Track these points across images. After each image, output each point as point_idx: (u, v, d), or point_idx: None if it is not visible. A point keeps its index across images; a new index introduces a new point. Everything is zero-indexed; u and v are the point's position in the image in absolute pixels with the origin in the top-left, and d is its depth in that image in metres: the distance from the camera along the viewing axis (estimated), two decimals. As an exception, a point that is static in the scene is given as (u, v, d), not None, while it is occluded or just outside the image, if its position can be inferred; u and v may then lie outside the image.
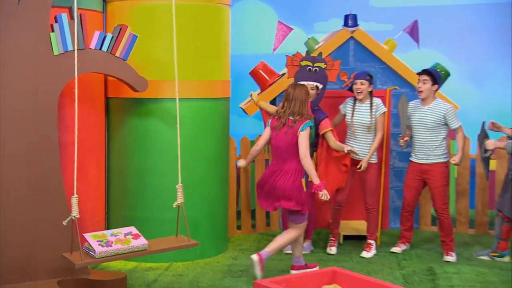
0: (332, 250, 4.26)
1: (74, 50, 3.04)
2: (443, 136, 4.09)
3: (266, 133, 3.67)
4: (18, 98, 3.13)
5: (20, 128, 3.14)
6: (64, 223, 2.94)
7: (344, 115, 4.24)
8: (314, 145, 4.05)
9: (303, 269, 3.66)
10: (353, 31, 4.78)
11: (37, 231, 3.17)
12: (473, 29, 6.05)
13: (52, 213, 3.18)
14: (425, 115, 4.08)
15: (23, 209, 3.15)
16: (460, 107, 4.86)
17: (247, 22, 6.15)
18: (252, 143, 4.85)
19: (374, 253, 4.21)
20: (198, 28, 3.92)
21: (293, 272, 3.65)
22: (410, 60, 5.02)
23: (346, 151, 3.91)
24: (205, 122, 4.02)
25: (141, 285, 3.56)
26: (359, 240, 4.47)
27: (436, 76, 4.06)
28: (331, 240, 4.31)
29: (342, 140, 4.16)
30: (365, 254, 4.18)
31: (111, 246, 2.97)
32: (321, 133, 3.99)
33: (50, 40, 3.18)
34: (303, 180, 3.52)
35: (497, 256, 4.10)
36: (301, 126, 3.48)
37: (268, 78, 4.87)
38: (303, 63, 4.07)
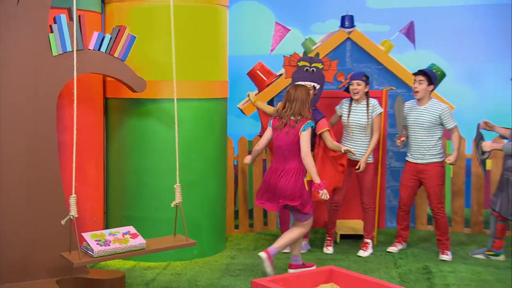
0: (329, 249, 4.29)
1: (73, 50, 3.06)
2: (439, 136, 4.13)
3: (268, 133, 3.71)
4: (17, 98, 3.15)
5: (19, 129, 3.15)
6: (63, 222, 2.96)
7: (340, 116, 4.28)
8: (311, 145, 4.08)
9: (301, 268, 3.69)
10: (350, 32, 4.81)
11: (36, 231, 3.19)
12: (469, 30, 6.09)
13: (51, 213, 3.20)
14: (421, 115, 4.12)
15: (22, 209, 3.17)
16: (456, 107, 4.90)
17: (245, 23, 6.18)
18: (250, 143, 4.88)
19: (370, 252, 4.24)
20: (196, 29, 3.95)
21: (291, 271, 3.68)
22: (406, 61, 5.06)
23: (343, 151, 3.95)
24: (203, 122, 4.04)
25: (139, 284, 3.57)
26: (355, 240, 4.50)
27: (432, 76, 4.09)
28: (328, 239, 4.34)
29: (339, 141, 4.19)
30: (362, 253, 4.22)
31: (109, 245, 2.99)
32: (318, 133, 4.02)
33: (49, 41, 3.20)
34: (305, 180, 3.56)
35: (493, 255, 4.13)
36: (303, 126, 3.54)
37: (265, 79, 4.90)
38: (301, 63, 4.10)
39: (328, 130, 3.99)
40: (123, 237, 3.08)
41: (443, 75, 4.83)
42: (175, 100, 3.32)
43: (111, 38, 3.38)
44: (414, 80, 4.14)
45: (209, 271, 3.83)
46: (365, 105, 4.18)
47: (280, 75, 4.87)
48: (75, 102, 2.94)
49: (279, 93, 4.81)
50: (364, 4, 6.14)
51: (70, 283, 3.25)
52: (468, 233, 4.83)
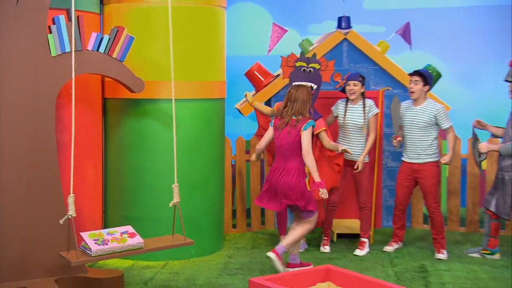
0: (326, 248, 4.32)
1: (71, 51, 3.08)
2: (434, 136, 4.16)
3: (269, 132, 3.76)
4: (16, 98, 3.16)
5: (18, 129, 3.17)
6: (61, 222, 2.97)
7: (336, 116, 4.31)
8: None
9: (298, 267, 3.72)
10: (347, 33, 4.84)
11: (36, 230, 3.20)
12: (464, 31, 6.13)
13: (50, 213, 3.21)
14: (417, 115, 4.15)
15: (21, 208, 3.18)
16: (451, 107, 4.93)
17: (242, 24, 6.20)
18: (248, 143, 4.91)
19: (367, 251, 4.27)
20: (194, 29, 3.97)
21: (289, 269, 3.71)
22: (403, 61, 5.08)
23: (340, 151, 3.98)
24: (201, 123, 4.07)
25: (138, 283, 3.59)
26: (352, 239, 4.53)
27: (428, 77, 4.13)
28: (324, 239, 4.37)
29: (335, 141, 4.22)
30: (358, 252, 4.25)
31: (107, 244, 3.00)
32: (315, 133, 4.05)
33: (48, 42, 3.21)
34: (307, 181, 3.60)
35: (488, 254, 4.17)
36: (304, 125, 3.59)
37: (263, 79, 4.93)
38: (298, 64, 4.13)
39: (325, 130, 4.03)
40: (121, 237, 3.10)
41: (438, 75, 4.87)
42: (173, 100, 3.34)
43: (109, 39, 3.39)
44: (410, 80, 4.18)
45: (207, 270, 3.85)
46: (361, 106, 4.21)
47: (278, 75, 4.90)
48: (73, 102, 2.95)
49: (277, 93, 4.84)
50: (361, 5, 6.18)
51: (69, 282, 3.26)
52: (463, 232, 4.87)
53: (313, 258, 4.08)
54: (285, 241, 3.67)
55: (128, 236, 3.11)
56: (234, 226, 4.84)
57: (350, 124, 4.21)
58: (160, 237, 3.37)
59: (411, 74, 4.17)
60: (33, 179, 3.20)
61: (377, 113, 4.24)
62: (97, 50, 3.37)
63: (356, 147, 4.19)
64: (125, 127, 4.03)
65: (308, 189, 3.60)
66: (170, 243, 3.25)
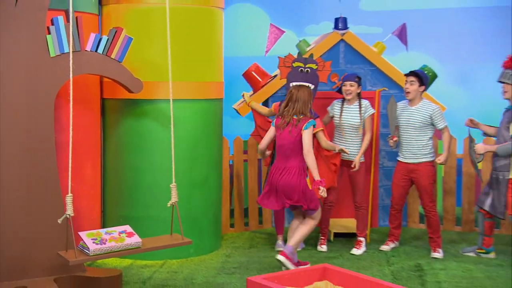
0: (323, 247, 4.35)
1: (69, 52, 3.09)
2: (430, 136, 4.20)
3: (270, 132, 3.80)
4: (15, 98, 3.17)
5: (17, 129, 3.18)
6: (59, 221, 2.99)
7: (332, 117, 4.34)
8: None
9: (296, 265, 3.75)
10: (343, 34, 4.87)
11: (35, 230, 3.21)
12: (460, 32, 6.17)
13: (49, 212, 3.22)
14: (412, 115, 4.19)
15: (20, 208, 3.19)
16: (447, 108, 4.97)
17: (240, 25, 6.23)
18: (245, 143, 4.93)
19: (364, 250, 4.30)
20: (192, 30, 3.99)
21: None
22: (399, 62, 5.12)
23: (337, 151, 4.01)
24: (199, 123, 4.09)
25: (136, 282, 3.61)
26: (349, 238, 4.55)
27: (423, 77, 4.17)
28: (321, 238, 4.40)
29: (331, 141, 4.25)
30: (355, 251, 4.28)
31: (105, 244, 3.02)
32: (312, 133, 4.08)
33: (47, 42, 3.23)
34: (307, 180, 3.63)
35: (483, 253, 4.20)
36: (305, 124, 3.64)
37: (260, 80, 4.95)
38: (295, 64, 4.15)
39: (322, 130, 4.06)
40: (119, 236, 3.11)
41: (434, 76, 4.91)
42: (171, 100, 3.36)
43: (108, 39, 3.41)
44: (406, 81, 4.21)
45: (205, 269, 3.87)
46: (357, 106, 4.25)
47: (275, 76, 4.93)
48: (71, 103, 2.97)
49: (274, 93, 4.87)
50: (358, 7, 6.22)
51: (67, 281, 3.28)
52: (459, 231, 4.91)
53: (310, 257, 4.10)
54: (292, 241, 3.71)
55: (126, 236, 3.13)
56: (232, 225, 4.87)
57: (346, 124, 4.25)
58: (158, 237, 3.38)
59: (406, 75, 4.21)
60: (32, 179, 3.21)
61: (373, 114, 4.27)
62: (96, 50, 3.38)
63: (352, 147, 4.22)
64: (124, 127, 4.05)
65: (310, 187, 3.63)
66: (168, 242, 3.27)
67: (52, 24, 3.25)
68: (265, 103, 4.86)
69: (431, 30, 6.13)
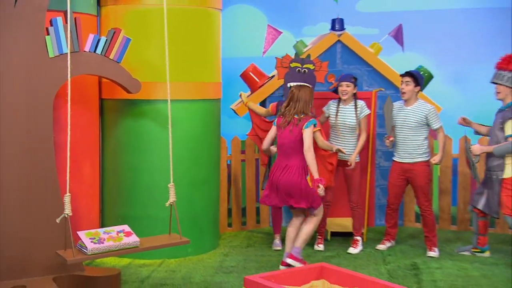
0: (320, 246, 4.38)
1: (68, 52, 3.11)
2: (425, 136, 4.23)
3: (272, 131, 3.84)
4: (14, 98, 3.18)
5: (16, 129, 3.19)
6: (58, 220, 3.01)
7: (328, 117, 4.38)
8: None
9: (299, 262, 3.72)
10: (340, 34, 4.91)
11: (34, 230, 3.23)
12: (456, 33, 6.21)
13: (48, 212, 3.23)
14: (408, 115, 4.22)
15: (19, 208, 3.21)
16: (443, 108, 5.01)
17: (237, 26, 6.25)
18: (243, 143, 4.96)
19: (360, 249, 4.33)
20: (190, 31, 4.01)
21: (289, 261, 3.71)
22: (395, 63, 5.14)
23: (334, 151, 4.05)
24: (197, 123, 4.11)
25: (134, 281, 3.63)
26: (345, 237, 4.58)
27: (418, 77, 4.20)
28: (318, 237, 4.43)
29: (327, 141, 4.28)
30: (351, 250, 4.31)
31: (103, 243, 3.03)
32: (309, 133, 4.11)
33: (46, 43, 3.25)
34: (308, 179, 3.66)
35: (478, 252, 4.23)
36: (306, 123, 3.67)
37: (258, 80, 4.98)
38: (293, 64, 4.19)
39: (320, 130, 4.09)
40: (117, 235, 3.12)
41: (430, 76, 4.95)
42: (169, 101, 3.38)
43: (106, 40, 3.43)
44: (401, 81, 4.25)
45: (203, 268, 3.90)
46: (353, 106, 4.28)
47: (272, 76, 4.96)
48: (69, 103, 2.98)
49: (272, 94, 4.90)
50: (354, 8, 6.25)
51: (66, 281, 3.29)
52: (454, 230, 4.94)
53: (307, 256, 4.12)
54: (298, 242, 3.75)
55: (124, 235, 3.14)
56: (229, 225, 4.89)
57: (341, 124, 4.28)
58: (156, 236, 3.40)
59: (402, 75, 4.24)
60: (31, 178, 3.23)
61: (368, 114, 4.31)
62: (94, 51, 3.40)
63: (348, 147, 4.25)
64: (122, 127, 4.07)
65: (311, 186, 3.66)
66: (166, 242, 3.28)
67: (51, 25, 3.27)
68: (263, 104, 4.89)
69: (426, 31, 6.16)
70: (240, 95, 4.52)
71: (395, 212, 4.38)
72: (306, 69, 4.19)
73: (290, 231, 3.82)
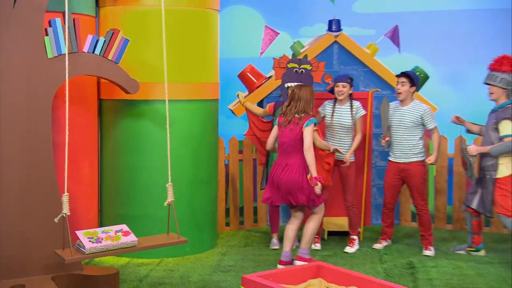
0: (317, 246, 4.40)
1: (66, 53, 3.13)
2: (420, 136, 4.27)
3: (274, 131, 3.86)
4: (13, 99, 3.20)
5: (15, 129, 3.20)
6: (56, 220, 3.02)
7: (323, 117, 4.41)
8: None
9: (305, 262, 3.75)
10: (337, 35, 4.94)
11: (33, 229, 3.24)
12: (452, 34, 6.25)
13: (47, 212, 3.24)
14: (404, 115, 4.25)
15: (18, 207, 3.22)
16: (439, 108, 5.05)
17: (235, 27, 6.28)
18: (241, 143, 4.99)
19: (357, 248, 4.36)
20: (188, 32, 4.03)
21: (298, 263, 3.73)
22: (391, 63, 5.18)
23: (331, 151, 4.08)
24: (195, 123, 4.13)
25: (133, 280, 3.65)
26: (342, 236, 4.61)
27: (414, 78, 4.24)
28: (316, 236, 4.46)
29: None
30: (348, 249, 4.34)
31: (101, 242, 3.04)
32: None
33: (45, 44, 3.26)
34: (308, 177, 3.69)
35: (473, 251, 4.27)
36: (306, 122, 3.69)
37: (255, 81, 5.01)
38: (290, 65, 4.21)
39: (317, 129, 4.12)
40: (115, 235, 3.13)
41: (426, 77, 4.99)
42: (167, 101, 3.40)
43: (105, 41, 3.44)
44: (397, 81, 4.28)
45: (201, 267, 3.92)
46: (349, 107, 4.32)
47: (270, 77, 4.99)
48: (67, 103, 2.99)
49: (269, 94, 4.93)
50: (351, 9, 6.28)
51: (65, 280, 3.30)
52: (450, 229, 4.97)
53: (304, 255, 4.16)
54: (303, 243, 3.77)
55: (122, 234, 3.15)
56: (227, 224, 4.91)
57: (337, 125, 4.31)
58: (154, 236, 3.41)
59: (398, 76, 4.27)
60: (30, 178, 3.24)
61: (364, 115, 4.35)
62: (93, 52, 3.42)
63: (343, 147, 4.28)
64: (121, 128, 4.09)
65: (311, 184, 3.68)
66: (164, 241, 3.29)
67: (50, 26, 3.28)
68: (260, 104, 4.92)
69: (423, 32, 6.20)
70: (238, 95, 4.54)
71: (391, 211, 4.42)
72: (303, 70, 4.22)
73: (288, 231, 3.85)
